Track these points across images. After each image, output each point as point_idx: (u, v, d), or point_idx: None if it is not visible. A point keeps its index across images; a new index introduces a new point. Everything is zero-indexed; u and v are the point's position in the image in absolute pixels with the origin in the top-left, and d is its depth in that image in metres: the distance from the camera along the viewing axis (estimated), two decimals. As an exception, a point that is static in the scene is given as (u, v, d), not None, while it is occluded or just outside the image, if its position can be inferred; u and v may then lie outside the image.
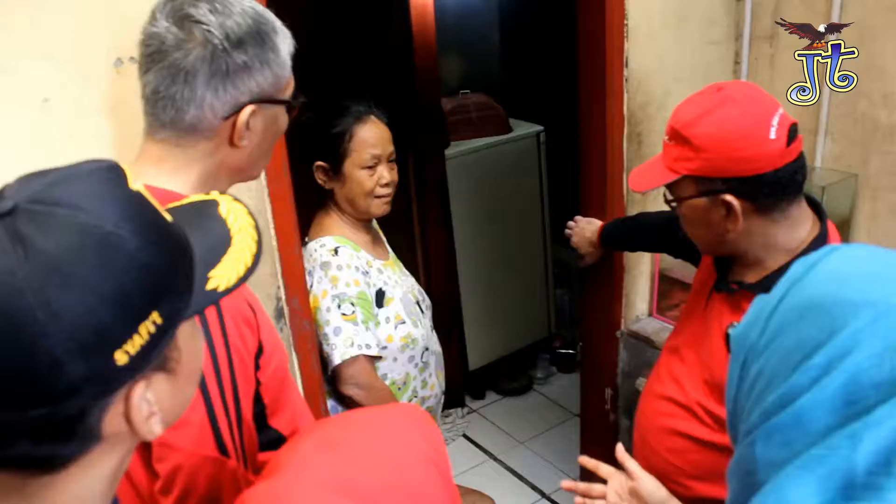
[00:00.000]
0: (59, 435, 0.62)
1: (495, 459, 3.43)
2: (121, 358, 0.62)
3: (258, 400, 1.12)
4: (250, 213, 0.81)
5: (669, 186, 1.47)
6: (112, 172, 0.68)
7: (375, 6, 3.25)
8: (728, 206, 1.39)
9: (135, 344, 0.62)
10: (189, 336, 0.73)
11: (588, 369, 2.72)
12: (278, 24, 1.12)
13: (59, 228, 0.60)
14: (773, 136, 1.34)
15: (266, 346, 1.12)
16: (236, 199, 0.82)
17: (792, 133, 1.36)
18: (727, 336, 0.85)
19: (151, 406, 0.67)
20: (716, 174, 1.38)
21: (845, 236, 2.26)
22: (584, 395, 2.76)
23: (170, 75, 1.04)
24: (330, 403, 1.93)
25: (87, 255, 0.60)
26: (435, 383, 2.08)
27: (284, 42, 1.12)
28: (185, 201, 0.83)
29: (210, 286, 0.72)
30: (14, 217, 0.59)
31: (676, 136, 1.42)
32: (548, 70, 4.05)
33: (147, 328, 0.63)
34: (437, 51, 3.24)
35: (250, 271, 0.76)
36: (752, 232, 1.42)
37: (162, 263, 0.65)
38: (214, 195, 0.83)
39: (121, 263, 0.62)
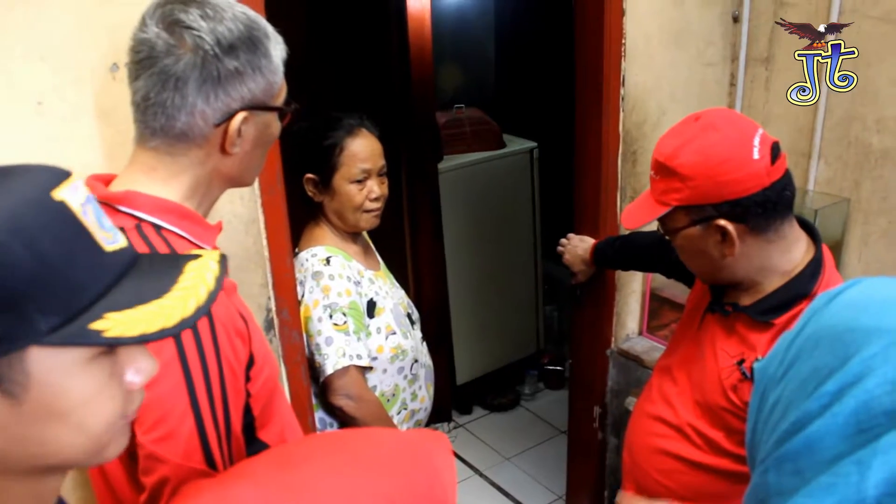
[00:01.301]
0: None
1: (481, 475, 3.41)
2: None
3: (247, 412, 1.10)
4: (218, 279, 0.75)
5: (662, 220, 1.47)
6: (46, 175, 0.66)
7: (373, 18, 3.25)
8: (722, 230, 1.39)
9: None
10: (61, 369, 0.65)
11: (577, 387, 2.71)
12: (270, 29, 1.11)
13: None
14: (756, 156, 1.35)
15: (257, 358, 1.11)
16: (221, 260, 0.78)
17: (775, 151, 1.37)
18: (752, 370, 0.84)
19: None
20: (705, 201, 1.38)
21: (837, 260, 2.27)
22: (573, 412, 2.75)
23: (160, 81, 1.03)
24: (318, 415, 1.91)
25: None
26: (425, 396, 2.06)
27: (277, 48, 1.11)
28: (192, 252, 0.80)
29: (97, 326, 0.64)
30: None
31: (662, 170, 1.42)
32: (542, 86, 4.06)
33: None
34: (433, 65, 3.24)
35: (165, 332, 0.67)
36: (749, 255, 1.42)
37: (19, 272, 0.60)
38: (207, 253, 0.79)
39: None
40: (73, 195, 0.66)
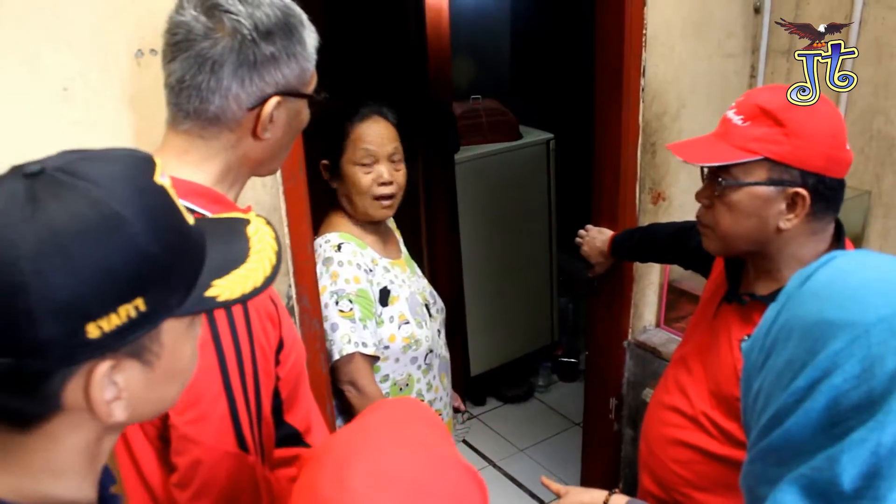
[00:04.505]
0: (22, 389, 0.64)
1: (495, 466, 3.42)
2: (93, 331, 0.63)
3: (276, 395, 1.11)
4: (277, 239, 0.83)
5: (729, 168, 1.39)
6: (141, 162, 0.71)
7: (391, 10, 3.25)
8: (794, 201, 1.35)
9: (111, 322, 0.64)
10: (179, 336, 0.73)
11: (593, 378, 2.71)
12: (304, 17, 1.12)
13: (71, 198, 0.64)
14: (848, 146, 1.35)
15: (286, 342, 1.12)
16: (268, 223, 0.85)
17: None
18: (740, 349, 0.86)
19: (120, 390, 0.68)
20: (800, 165, 1.33)
21: (857, 253, 2.26)
22: (588, 403, 2.75)
23: (196, 64, 1.03)
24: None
25: (87, 227, 0.63)
26: (439, 386, 2.06)
27: (310, 35, 1.12)
28: (223, 215, 0.86)
29: (210, 293, 0.73)
30: (37, 179, 0.64)
31: (763, 116, 1.36)
32: (558, 78, 4.05)
33: (127, 311, 0.65)
34: (450, 55, 3.24)
35: (257, 291, 0.77)
36: (793, 237, 1.39)
37: (159, 255, 0.67)
38: (250, 215, 0.85)
39: (117, 243, 0.64)
40: (165, 178, 0.72)
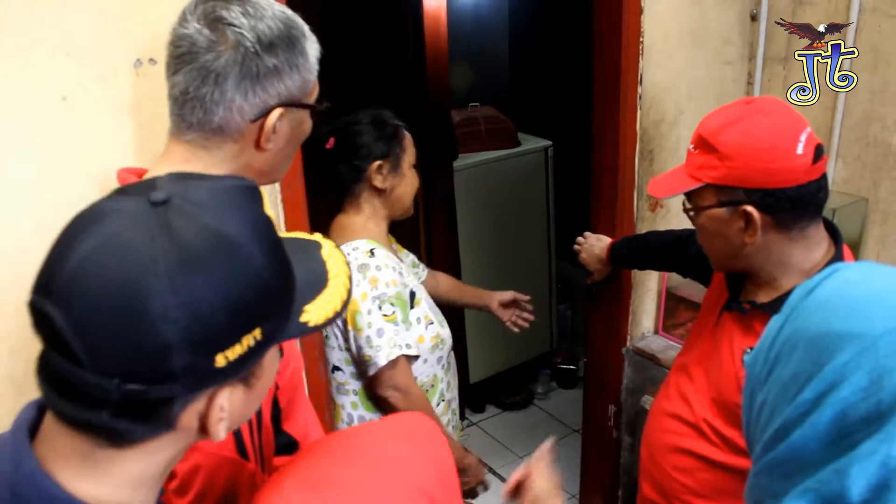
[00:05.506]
0: (141, 414, 0.66)
1: (494, 473, 3.41)
2: (220, 361, 0.67)
3: (275, 404, 1.11)
4: (347, 263, 0.87)
5: (689, 195, 1.46)
6: (252, 193, 0.74)
7: (389, 17, 3.26)
8: (747, 217, 1.38)
9: (235, 352, 0.67)
10: (272, 358, 0.77)
11: (591, 385, 2.71)
12: (307, 28, 1.12)
13: (205, 230, 0.66)
14: (800, 150, 1.33)
15: (285, 351, 1.12)
16: (337, 247, 0.88)
17: (818, 152, 1.36)
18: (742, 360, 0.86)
19: (223, 412, 0.71)
20: (739, 184, 1.37)
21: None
22: (587, 410, 2.75)
23: (200, 77, 1.04)
24: (357, 414, 1.93)
25: (223, 261, 0.66)
26: (454, 385, 2.08)
27: (312, 47, 1.12)
28: (290, 234, 0.88)
29: (303, 319, 0.77)
30: (167, 208, 0.66)
31: (702, 145, 1.41)
32: (557, 85, 4.06)
33: (248, 341, 0.68)
34: (448, 63, 3.25)
35: (338, 314, 0.81)
36: (769, 248, 1.41)
37: (276, 286, 0.71)
38: (318, 237, 0.89)
39: (248, 276, 0.68)
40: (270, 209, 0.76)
